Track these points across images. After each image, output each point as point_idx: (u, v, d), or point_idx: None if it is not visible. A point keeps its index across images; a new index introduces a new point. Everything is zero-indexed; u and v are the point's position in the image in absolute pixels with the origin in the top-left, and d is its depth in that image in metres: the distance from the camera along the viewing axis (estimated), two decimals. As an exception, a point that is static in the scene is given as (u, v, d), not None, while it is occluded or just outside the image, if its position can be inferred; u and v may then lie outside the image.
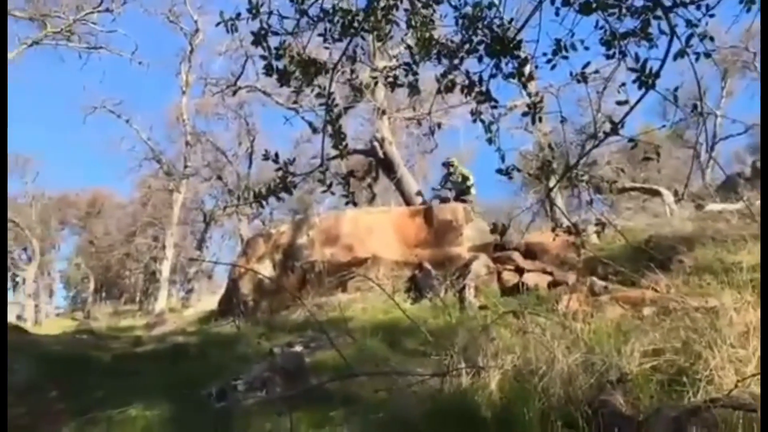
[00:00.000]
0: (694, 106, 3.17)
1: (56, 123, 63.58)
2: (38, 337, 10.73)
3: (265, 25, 3.27)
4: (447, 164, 14.10)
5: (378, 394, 4.35)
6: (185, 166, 28.16)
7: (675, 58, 2.82)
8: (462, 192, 13.32)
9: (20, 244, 36.60)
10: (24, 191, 36.60)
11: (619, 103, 3.03)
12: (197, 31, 27.22)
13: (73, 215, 42.28)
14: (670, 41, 2.81)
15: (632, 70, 2.90)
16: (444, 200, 13.40)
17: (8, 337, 9.54)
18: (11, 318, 28.68)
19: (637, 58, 2.92)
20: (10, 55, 19.05)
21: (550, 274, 9.26)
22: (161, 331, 11.77)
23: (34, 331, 13.45)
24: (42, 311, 35.86)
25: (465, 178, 13.45)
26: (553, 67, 3.26)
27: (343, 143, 3.61)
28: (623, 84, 3.09)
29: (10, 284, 37.86)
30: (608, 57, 3.11)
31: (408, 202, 15.69)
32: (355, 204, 4.08)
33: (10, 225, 33.32)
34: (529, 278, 9.18)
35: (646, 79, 2.83)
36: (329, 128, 3.57)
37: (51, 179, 59.27)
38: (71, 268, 43.99)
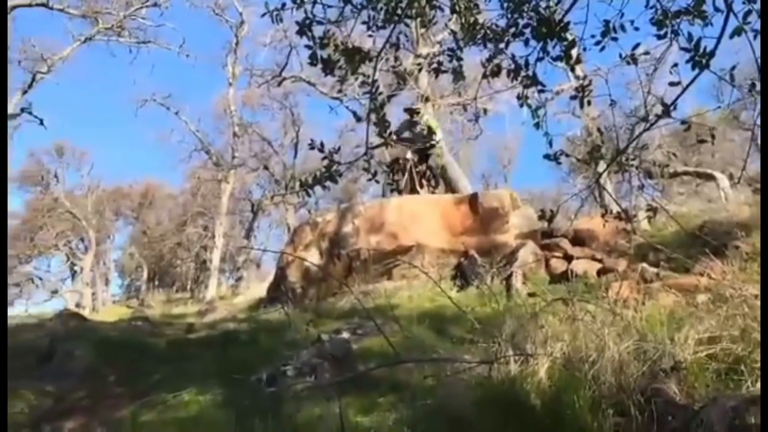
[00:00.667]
0: (752, 85, 3.05)
1: (109, 117, 65.62)
2: (96, 323, 11.17)
3: (309, 15, 3.29)
4: (410, 110, 12.56)
5: (426, 381, 4.36)
6: (233, 157, 28.67)
7: (732, 36, 2.71)
8: (426, 147, 12.15)
9: (77, 234, 37.99)
10: (80, 183, 38.01)
11: (671, 84, 2.96)
12: (242, 23, 27.57)
13: (126, 206, 43.56)
14: (726, 18, 2.70)
15: (685, 50, 2.81)
16: (395, 161, 12.16)
17: (69, 324, 9.99)
18: (71, 305, 29.87)
19: (690, 38, 2.82)
20: (65, 52, 19.72)
21: (600, 261, 9.10)
22: (212, 318, 12.00)
23: (92, 318, 13.95)
24: (99, 299, 37.17)
25: (431, 131, 12.14)
26: (602, 49, 3.19)
27: (387, 131, 3.61)
28: (675, 64, 3.00)
29: (69, 273, 39.42)
30: (659, 37, 3.03)
31: (453, 190, 15.39)
32: (399, 192, 4.08)
33: (68, 216, 34.67)
34: (578, 265, 9.04)
35: (699, 59, 2.74)
36: (373, 117, 3.58)
37: (105, 171, 61.09)
38: (125, 258, 45.40)
